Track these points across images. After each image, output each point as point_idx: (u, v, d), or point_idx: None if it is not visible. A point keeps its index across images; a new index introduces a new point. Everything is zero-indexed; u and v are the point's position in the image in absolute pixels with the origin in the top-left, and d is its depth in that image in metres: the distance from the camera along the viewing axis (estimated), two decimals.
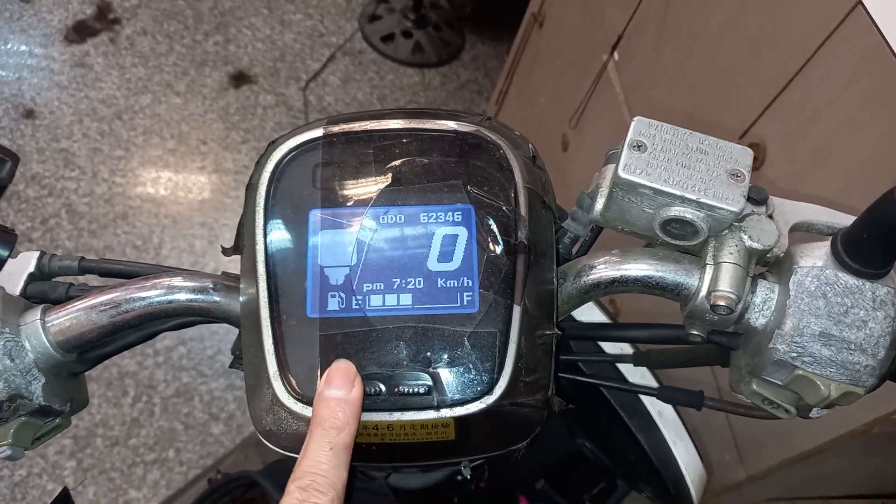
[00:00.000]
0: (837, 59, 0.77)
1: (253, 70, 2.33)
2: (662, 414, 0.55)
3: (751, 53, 0.93)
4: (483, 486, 0.69)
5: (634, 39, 1.22)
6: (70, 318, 0.39)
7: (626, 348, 0.56)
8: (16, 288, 0.43)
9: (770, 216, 0.41)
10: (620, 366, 0.55)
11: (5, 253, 0.39)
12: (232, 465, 1.08)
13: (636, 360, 0.49)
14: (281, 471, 0.56)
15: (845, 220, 0.43)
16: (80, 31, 2.25)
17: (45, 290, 0.43)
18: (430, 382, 0.36)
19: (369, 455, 0.37)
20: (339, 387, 0.34)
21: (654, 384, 0.56)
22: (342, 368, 0.35)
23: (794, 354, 0.37)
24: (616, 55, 1.28)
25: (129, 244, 1.88)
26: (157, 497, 1.57)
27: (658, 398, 0.48)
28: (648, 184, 0.38)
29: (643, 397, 0.56)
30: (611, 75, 1.29)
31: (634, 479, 0.61)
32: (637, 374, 0.55)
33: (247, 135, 2.17)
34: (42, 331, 0.39)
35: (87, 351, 0.42)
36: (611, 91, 1.28)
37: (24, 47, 2.17)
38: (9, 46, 2.16)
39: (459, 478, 0.63)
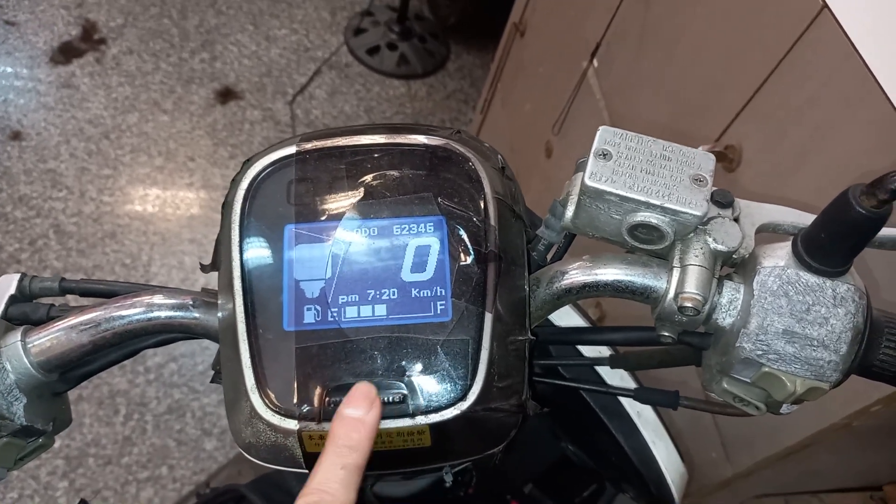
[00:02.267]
0: (809, 62, 0.79)
1: (239, 86, 2.34)
2: (641, 415, 0.56)
3: (727, 57, 0.95)
4: (471, 493, 0.70)
5: (614, 46, 1.24)
6: (51, 338, 0.40)
7: (604, 352, 0.57)
8: None
9: (736, 219, 0.42)
10: (599, 369, 0.56)
11: None
12: (223, 480, 1.08)
13: (613, 362, 0.50)
14: (269, 485, 0.56)
15: (810, 220, 0.44)
16: (65, 52, 2.25)
17: (26, 312, 0.44)
18: (404, 391, 0.36)
19: None
20: (358, 407, 0.34)
21: (633, 385, 0.57)
22: (363, 389, 0.35)
23: (760, 352, 0.38)
24: (595, 62, 1.29)
25: (118, 262, 1.88)
26: None
27: (635, 399, 0.49)
28: (614, 191, 0.39)
29: (622, 399, 0.57)
30: (591, 82, 1.30)
31: (617, 481, 0.62)
32: (616, 377, 0.56)
33: (235, 150, 2.18)
34: (23, 352, 0.39)
35: (68, 370, 0.42)
36: (591, 97, 1.29)
37: (9, 69, 2.18)
38: None
39: (446, 485, 0.64)
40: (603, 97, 1.27)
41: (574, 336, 0.48)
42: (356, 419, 0.34)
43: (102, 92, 2.19)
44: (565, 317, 0.58)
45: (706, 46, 1.00)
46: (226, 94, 2.30)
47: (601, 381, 0.56)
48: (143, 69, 2.29)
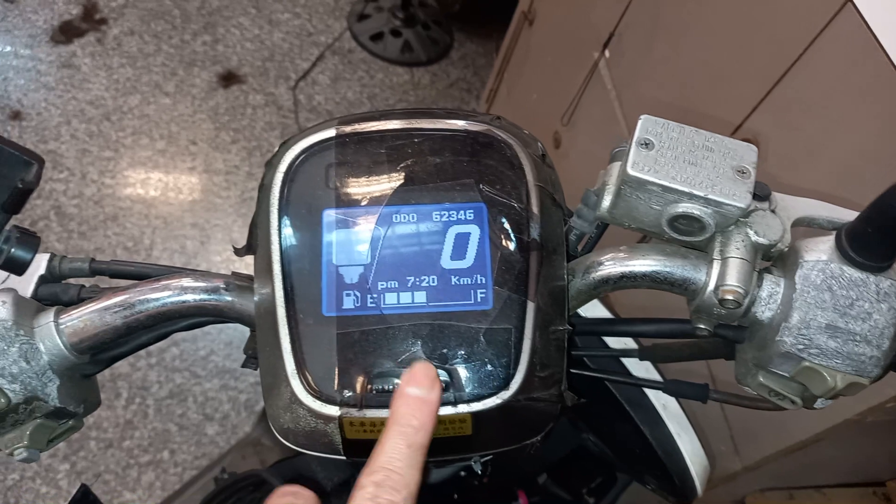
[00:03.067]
0: (829, 55, 0.79)
1: (242, 70, 2.32)
2: (667, 407, 0.56)
3: (743, 48, 0.94)
4: (486, 482, 0.70)
5: (626, 36, 1.23)
6: (83, 319, 0.40)
7: (629, 343, 0.57)
8: (27, 290, 0.43)
9: (773, 211, 0.42)
10: (624, 360, 0.56)
11: (30, 255, 0.39)
12: (230, 465, 1.08)
13: (642, 354, 0.50)
14: (290, 470, 0.56)
15: (846, 214, 0.44)
16: (66, 32, 2.23)
17: (56, 293, 0.43)
18: (447, 378, 0.36)
19: None
20: (421, 386, 0.34)
21: (658, 377, 0.57)
22: (424, 368, 0.35)
23: (801, 346, 0.38)
24: (607, 52, 1.29)
25: (119, 246, 1.87)
26: (152, 499, 1.56)
27: (664, 392, 0.49)
28: (657, 181, 0.39)
29: (647, 391, 0.57)
30: (602, 73, 1.30)
31: (639, 472, 0.62)
32: (641, 368, 0.56)
33: (236, 135, 2.16)
34: (56, 332, 0.39)
35: (100, 352, 0.42)
36: (602, 88, 1.29)
37: (9, 48, 2.15)
38: None
39: (463, 473, 0.64)
40: (614, 88, 1.26)
41: (605, 327, 0.48)
42: (420, 398, 0.34)
43: (103, 73, 2.17)
44: (590, 308, 0.58)
45: (721, 38, 0.99)
46: (228, 78, 2.28)
47: (628, 373, 0.55)
48: (145, 50, 2.26)
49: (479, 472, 0.44)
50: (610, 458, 0.67)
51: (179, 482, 1.57)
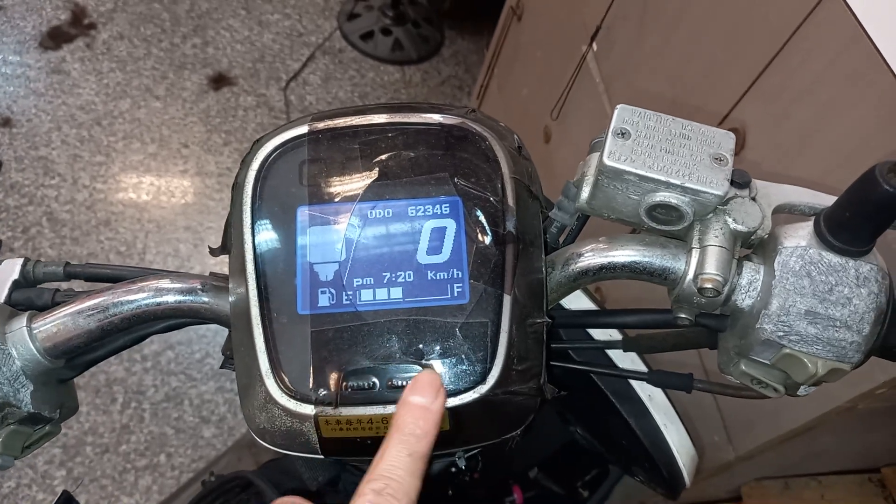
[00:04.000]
0: (816, 42, 0.78)
1: (232, 72, 2.31)
2: (653, 398, 0.55)
3: (731, 38, 0.94)
4: (477, 477, 0.69)
5: (614, 29, 1.23)
6: (57, 323, 0.39)
7: (614, 334, 0.57)
8: (0, 295, 0.42)
9: (753, 199, 0.42)
10: (610, 352, 0.55)
11: None
12: (225, 468, 1.08)
13: (626, 345, 0.50)
14: (277, 471, 0.56)
15: (827, 200, 0.44)
16: (55, 37, 2.22)
17: (30, 297, 0.43)
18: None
19: (365, 449, 0.37)
20: (425, 395, 0.34)
21: (644, 368, 0.57)
22: (429, 377, 0.35)
23: (781, 333, 0.38)
24: (595, 46, 1.28)
25: (112, 250, 1.86)
26: (149, 502, 1.56)
27: (648, 382, 0.49)
28: (633, 170, 0.38)
29: (633, 382, 0.56)
30: (590, 66, 1.29)
31: (628, 464, 0.62)
32: (627, 360, 0.56)
33: (228, 136, 2.16)
34: (29, 337, 0.38)
35: (75, 357, 0.41)
36: (591, 81, 1.28)
37: None
38: None
39: (454, 469, 0.64)
40: (602, 81, 1.26)
41: (588, 319, 0.48)
42: (423, 407, 0.34)
43: (93, 78, 2.16)
44: (575, 300, 0.57)
45: (708, 28, 0.99)
46: (219, 80, 2.27)
47: (613, 365, 0.55)
48: (135, 55, 2.25)
49: (464, 467, 0.44)
50: (599, 450, 0.67)
51: (177, 485, 1.57)
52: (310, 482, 0.51)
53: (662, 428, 0.54)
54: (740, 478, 1.04)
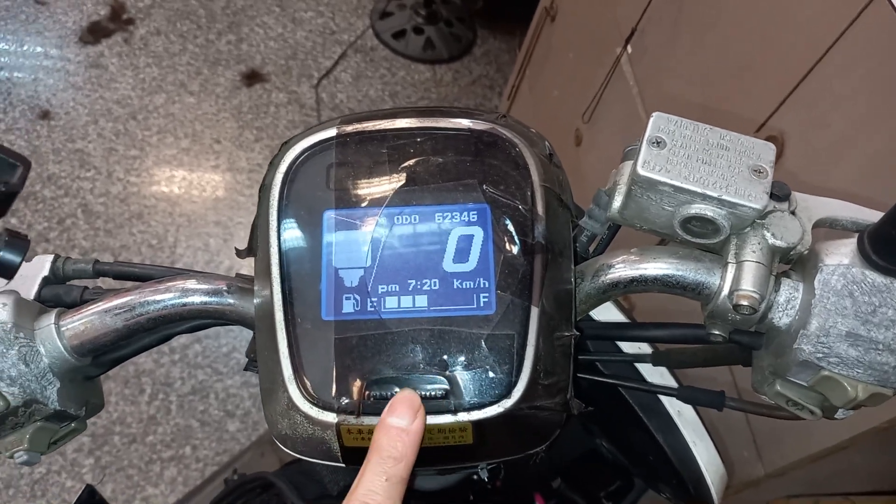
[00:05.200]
0: (859, 49, 0.76)
1: (265, 68, 2.33)
2: (682, 413, 0.54)
3: (768, 43, 0.91)
4: (499, 486, 0.68)
5: (648, 32, 1.21)
6: (84, 321, 0.39)
7: (644, 347, 0.55)
8: (30, 292, 0.42)
9: (793, 212, 0.40)
10: (638, 365, 0.54)
11: (18, 258, 0.39)
12: (248, 464, 1.08)
13: (655, 359, 0.48)
14: (298, 473, 0.56)
15: (870, 215, 0.42)
16: (94, 32, 2.26)
17: (59, 294, 0.43)
18: (446, 386, 0.35)
19: None
20: (402, 416, 0.33)
21: (673, 383, 0.55)
22: (406, 398, 0.34)
23: (820, 355, 0.36)
24: (629, 48, 1.26)
25: (144, 243, 1.89)
26: (174, 494, 1.58)
27: (678, 398, 0.47)
28: (668, 181, 0.37)
29: (662, 397, 0.55)
30: (624, 69, 1.27)
31: (654, 480, 0.60)
32: (656, 374, 0.54)
33: (260, 133, 2.17)
34: (57, 335, 0.39)
35: (101, 354, 0.42)
36: (624, 84, 1.26)
37: (39, 49, 2.19)
38: (25, 48, 2.18)
39: (475, 477, 0.63)
40: (636, 84, 1.24)
41: (617, 332, 0.47)
42: (400, 429, 0.33)
43: (130, 72, 2.20)
44: (603, 311, 0.56)
45: (746, 32, 0.96)
46: (251, 77, 2.30)
47: (642, 379, 0.54)
48: (171, 50, 2.28)
49: (485, 478, 0.43)
50: (623, 463, 0.66)
51: (201, 477, 1.59)
52: (331, 486, 0.50)
53: (691, 445, 0.53)
54: (768, 494, 1.01)
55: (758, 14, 0.94)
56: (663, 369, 0.55)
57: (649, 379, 0.54)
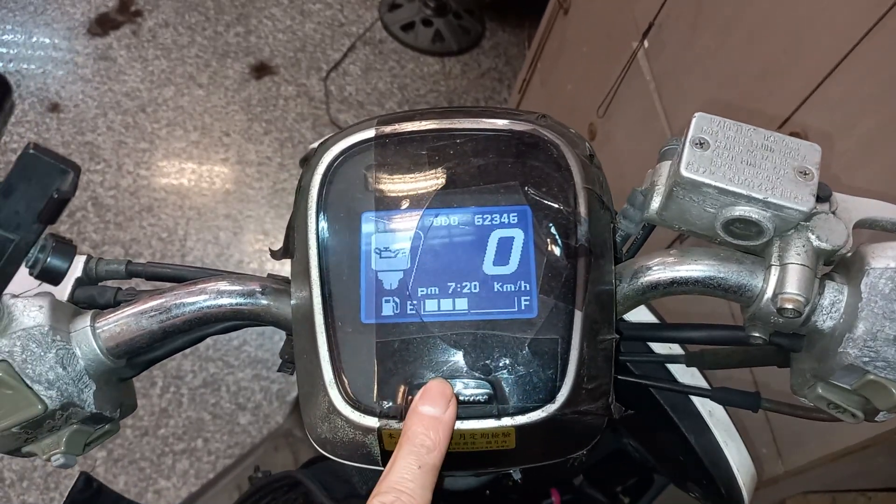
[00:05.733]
0: (887, 47, 0.75)
1: (274, 61, 2.32)
2: (713, 414, 0.54)
3: (792, 40, 0.90)
4: (518, 481, 0.68)
5: (666, 26, 1.19)
6: (120, 323, 0.39)
7: (675, 348, 0.55)
8: (63, 293, 0.42)
9: (833, 213, 0.40)
10: (669, 365, 0.54)
11: (66, 265, 0.39)
12: (263, 458, 1.08)
13: (689, 360, 0.48)
14: (326, 472, 0.56)
15: None
16: (102, 24, 2.25)
17: (93, 295, 0.43)
18: (490, 390, 0.35)
19: None
20: (435, 405, 0.33)
21: (704, 383, 0.55)
22: (439, 386, 0.34)
23: (867, 359, 0.36)
24: (646, 43, 1.25)
25: (154, 236, 1.89)
26: (186, 486, 1.58)
27: (712, 399, 0.47)
28: (713, 183, 0.37)
29: (694, 398, 0.54)
30: (640, 63, 1.26)
31: (682, 480, 0.60)
32: (686, 374, 0.54)
33: (269, 126, 2.17)
34: (93, 337, 0.38)
35: (136, 356, 0.41)
36: (641, 79, 1.25)
37: (47, 41, 2.18)
38: (33, 40, 2.17)
39: (517, 481, 0.63)
40: (653, 79, 1.23)
41: (651, 332, 0.46)
42: (434, 417, 0.33)
43: (139, 65, 2.19)
44: (634, 312, 0.56)
45: (768, 29, 0.95)
46: (260, 69, 2.29)
47: (674, 379, 0.53)
48: (179, 42, 2.28)
49: (519, 480, 0.43)
50: (651, 463, 0.65)
51: (213, 470, 1.59)
52: (360, 485, 0.50)
53: (723, 445, 0.53)
54: (786, 491, 1.01)
55: (781, 9, 0.93)
56: (693, 369, 0.54)
57: (679, 379, 0.54)
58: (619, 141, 1.36)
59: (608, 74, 1.36)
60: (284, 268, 0.43)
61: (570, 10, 1.62)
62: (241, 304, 0.40)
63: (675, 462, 0.58)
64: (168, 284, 0.42)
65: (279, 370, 0.43)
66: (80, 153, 1.99)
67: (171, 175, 2.01)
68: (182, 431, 1.64)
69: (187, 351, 1.72)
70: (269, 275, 0.43)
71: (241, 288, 0.40)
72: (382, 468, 0.37)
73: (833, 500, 1.02)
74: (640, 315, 0.56)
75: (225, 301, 0.40)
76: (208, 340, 1.74)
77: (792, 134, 0.92)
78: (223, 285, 0.40)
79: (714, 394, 0.47)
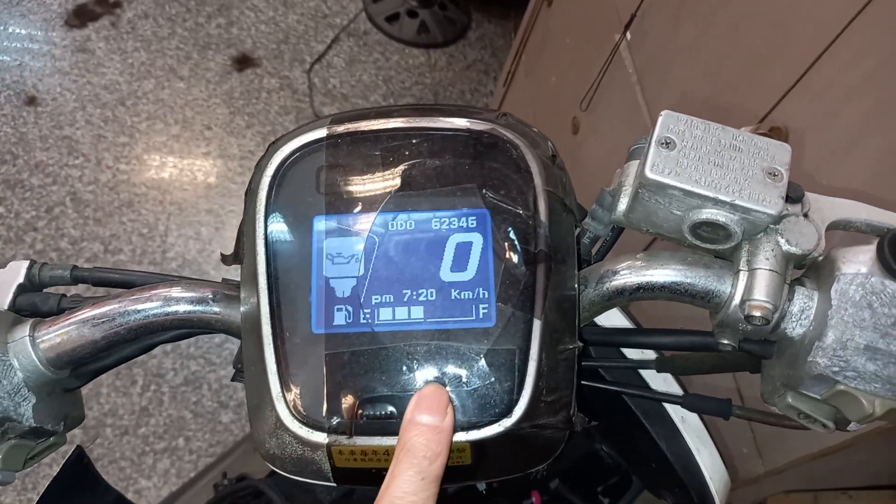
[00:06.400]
0: (870, 37, 0.73)
1: (256, 53, 2.29)
2: (686, 420, 0.52)
3: (775, 31, 0.89)
4: (496, 487, 0.67)
5: (649, 18, 1.18)
6: (61, 333, 0.37)
7: (648, 353, 0.54)
8: (4, 300, 0.40)
9: (806, 215, 0.38)
10: (642, 370, 0.53)
11: None
12: (237, 464, 1.06)
13: (660, 366, 0.47)
14: (287, 482, 0.54)
15: (886, 217, 0.40)
16: (80, 16, 2.21)
17: (35, 303, 0.41)
18: None
19: (380, 479, 0.35)
20: (433, 412, 0.32)
21: (677, 388, 0.54)
22: (435, 393, 0.32)
23: (836, 369, 0.35)
24: (629, 35, 1.23)
25: (135, 232, 1.86)
26: (167, 486, 1.56)
27: (683, 406, 0.46)
28: (678, 185, 0.35)
29: (666, 403, 0.53)
30: (623, 56, 1.24)
31: (656, 486, 0.59)
32: (659, 378, 0.53)
33: (251, 119, 2.14)
34: (31, 348, 0.37)
35: (80, 366, 0.39)
36: (623, 72, 1.24)
37: (23, 31, 2.14)
38: (9, 31, 2.13)
39: (481, 491, 0.61)
40: (636, 72, 1.21)
41: (621, 338, 0.45)
42: (434, 427, 0.31)
43: (118, 57, 2.15)
44: (608, 315, 0.54)
45: (750, 20, 0.94)
46: (242, 61, 2.25)
47: (645, 385, 0.52)
48: (159, 34, 2.24)
49: (483, 490, 0.42)
50: (624, 467, 0.64)
51: (194, 469, 1.58)
52: (322, 496, 0.49)
53: (695, 452, 0.51)
54: (767, 490, 1.00)
55: (763, 1, 0.91)
56: (667, 374, 0.53)
57: (653, 384, 0.53)
58: (602, 134, 1.34)
59: (591, 67, 1.34)
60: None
61: (553, 1, 1.60)
62: (190, 312, 0.39)
63: (647, 467, 0.57)
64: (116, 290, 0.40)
65: (233, 380, 0.41)
66: (59, 147, 1.95)
67: (152, 170, 1.98)
68: (163, 430, 1.62)
69: (168, 348, 1.70)
70: (223, 279, 0.42)
71: (191, 294, 0.39)
72: (334, 484, 0.35)
73: (815, 499, 1.02)
74: (614, 319, 0.55)
75: (173, 308, 0.38)
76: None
77: (773, 128, 0.91)
78: (172, 291, 0.39)
79: (685, 401, 0.46)
